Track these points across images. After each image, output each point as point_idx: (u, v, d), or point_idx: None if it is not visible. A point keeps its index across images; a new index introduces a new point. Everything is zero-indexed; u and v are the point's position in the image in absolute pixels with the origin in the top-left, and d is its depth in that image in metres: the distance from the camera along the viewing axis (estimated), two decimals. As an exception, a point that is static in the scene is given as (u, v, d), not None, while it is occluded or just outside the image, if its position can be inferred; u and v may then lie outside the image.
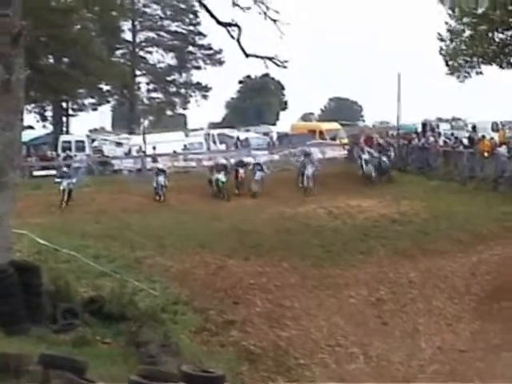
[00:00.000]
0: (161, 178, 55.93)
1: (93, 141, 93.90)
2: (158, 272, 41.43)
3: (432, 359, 32.40)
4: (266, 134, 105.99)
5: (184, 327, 34.15)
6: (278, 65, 43.74)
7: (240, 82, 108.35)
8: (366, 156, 78.18)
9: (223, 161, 63.08)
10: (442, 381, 30.12)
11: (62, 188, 54.57)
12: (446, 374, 30.19)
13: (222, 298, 37.74)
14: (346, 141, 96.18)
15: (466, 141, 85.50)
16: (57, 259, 40.46)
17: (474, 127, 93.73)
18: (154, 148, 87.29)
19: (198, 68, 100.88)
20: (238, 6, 41.14)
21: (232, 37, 40.95)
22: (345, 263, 43.98)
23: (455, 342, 34.11)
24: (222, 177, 56.08)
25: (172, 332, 32.62)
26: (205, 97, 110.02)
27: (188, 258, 43.06)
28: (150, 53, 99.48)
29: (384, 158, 78.20)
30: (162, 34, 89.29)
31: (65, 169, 56.92)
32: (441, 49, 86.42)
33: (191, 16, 73.06)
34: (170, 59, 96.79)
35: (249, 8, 40.72)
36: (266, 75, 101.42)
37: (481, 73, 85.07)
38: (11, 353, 24.63)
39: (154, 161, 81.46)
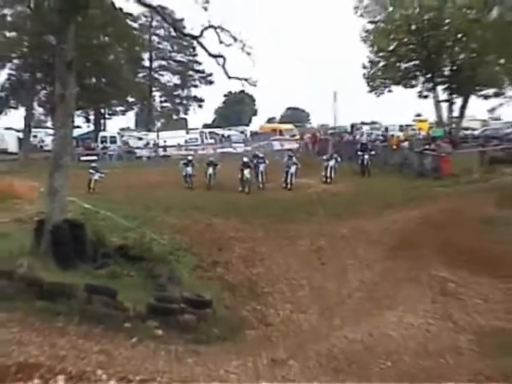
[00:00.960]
0: (189, 169, 53.67)
1: (122, 136, 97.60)
2: (167, 227, 42.68)
3: (356, 289, 33.65)
4: (242, 132, 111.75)
5: (184, 266, 35.96)
6: (250, 84, 45.71)
7: (225, 96, 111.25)
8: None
9: (245, 159, 56.04)
10: (365, 303, 31.24)
11: (93, 178, 54.75)
12: (366, 299, 31.55)
13: (211, 246, 39.11)
14: (298, 137, 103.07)
15: (381, 138, 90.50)
16: (96, 218, 42.75)
17: (386, 128, 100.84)
18: (165, 141, 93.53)
19: (196, 86, 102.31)
20: (222, 42, 43.44)
21: (218, 64, 43.07)
22: (296, 222, 45.43)
23: (372, 277, 35.20)
24: (247, 173, 53.11)
25: (176, 269, 34.96)
26: (200, 106, 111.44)
27: (187, 218, 44.32)
28: (162, 75, 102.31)
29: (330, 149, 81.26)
30: (171, 62, 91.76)
31: (94, 164, 55.99)
32: (364, 74, 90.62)
33: (191, 50, 74.80)
34: (176, 80, 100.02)
35: (230, 45, 42.81)
36: (242, 91, 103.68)
37: (391, 91, 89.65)
38: (65, 282, 27.53)
39: (165, 150, 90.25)
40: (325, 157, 62.09)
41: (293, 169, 56.97)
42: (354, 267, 37.21)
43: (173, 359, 20.05)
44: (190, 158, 56.68)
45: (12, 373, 13.61)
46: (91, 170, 55.90)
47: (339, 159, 66.65)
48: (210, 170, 52.78)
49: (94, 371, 14.35)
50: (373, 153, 71.95)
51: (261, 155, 57.22)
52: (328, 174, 59.61)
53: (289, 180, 56.72)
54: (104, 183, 57.35)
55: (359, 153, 74.64)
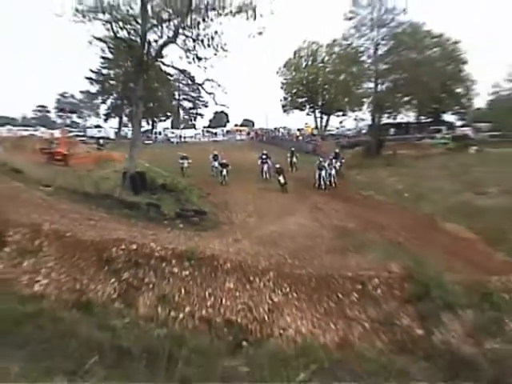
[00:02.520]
0: (225, 171, 48.27)
1: (164, 131, 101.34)
2: (186, 177, 46.91)
3: (277, 207, 36.38)
4: (222, 130, 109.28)
5: (194, 195, 38.71)
6: (226, 107, 50.60)
7: (214, 113, 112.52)
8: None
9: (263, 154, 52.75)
10: (281, 213, 33.51)
11: (184, 166, 51.83)
12: (281, 211, 33.90)
13: (207, 186, 42.41)
14: (248, 133, 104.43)
15: (288, 134, 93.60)
16: (151, 171, 45.69)
17: (290, 129, 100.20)
18: (184, 135, 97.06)
19: (200, 108, 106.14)
20: (213, 87, 49.36)
21: (211, 96, 47.72)
22: (250, 179, 47.70)
23: (284, 201, 38.26)
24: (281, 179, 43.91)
25: (189, 196, 37.94)
26: (201, 116, 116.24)
27: (200, 176, 47.70)
28: (184, 101, 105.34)
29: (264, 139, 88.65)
30: (187, 95, 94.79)
31: (185, 154, 52.66)
32: (281, 103, 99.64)
33: (197, 90, 78.50)
34: (190, 104, 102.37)
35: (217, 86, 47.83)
36: (222, 111, 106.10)
37: (293, 111, 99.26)
38: (136, 201, 31.61)
39: (184, 139, 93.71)
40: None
41: (266, 167, 50.70)
42: (276, 196, 40.40)
43: (187, 238, 21.64)
44: (185, 154, 52.96)
45: (111, 243, 14.89)
46: (181, 160, 53.40)
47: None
48: (224, 172, 48.32)
49: (149, 243, 15.42)
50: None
51: (265, 152, 52.56)
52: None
53: (265, 175, 49.90)
54: (155, 154, 59.87)
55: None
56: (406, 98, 76.07)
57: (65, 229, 17.03)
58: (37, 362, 9.25)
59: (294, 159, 59.03)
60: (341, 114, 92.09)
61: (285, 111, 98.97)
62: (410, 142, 70.65)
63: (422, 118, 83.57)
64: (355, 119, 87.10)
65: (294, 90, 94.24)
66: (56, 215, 24.67)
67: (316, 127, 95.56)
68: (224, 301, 13.08)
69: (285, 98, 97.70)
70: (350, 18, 71.97)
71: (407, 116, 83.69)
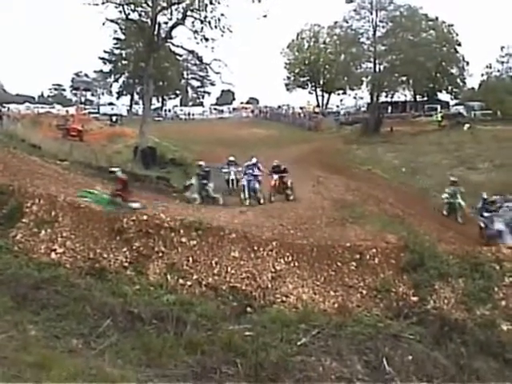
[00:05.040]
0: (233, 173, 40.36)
1: (174, 108, 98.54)
2: (194, 151, 45.08)
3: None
4: (228, 107, 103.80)
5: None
6: (232, 85, 50.71)
7: (221, 91, 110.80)
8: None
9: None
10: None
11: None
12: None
13: (212, 160, 44.61)
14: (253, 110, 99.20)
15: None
16: (161, 145, 45.26)
17: (292, 107, 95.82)
18: (193, 112, 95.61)
19: (207, 86, 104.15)
20: (220, 67, 48.70)
21: (216, 74, 47.96)
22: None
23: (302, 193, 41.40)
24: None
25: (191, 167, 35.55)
26: (209, 94, 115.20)
27: (204, 148, 47.13)
28: (192, 80, 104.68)
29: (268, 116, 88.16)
30: (196, 74, 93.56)
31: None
32: (284, 79, 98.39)
33: (205, 69, 76.90)
34: (198, 83, 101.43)
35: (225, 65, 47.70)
36: (229, 90, 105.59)
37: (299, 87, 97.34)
38: (147, 174, 31.97)
39: (192, 115, 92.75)
40: None
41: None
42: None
43: (195, 210, 22.40)
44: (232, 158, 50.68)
45: (123, 214, 14.93)
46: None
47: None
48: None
49: (159, 214, 15.44)
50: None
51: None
52: None
53: None
54: (164, 130, 58.40)
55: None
56: (402, 78, 76.07)
57: (79, 200, 17.01)
58: (53, 324, 9.39)
59: None
60: (341, 92, 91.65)
61: (288, 90, 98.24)
62: (407, 120, 70.44)
63: (418, 96, 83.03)
64: (354, 98, 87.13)
65: (297, 70, 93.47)
66: (71, 188, 24.75)
67: (317, 105, 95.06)
68: (229, 269, 13.12)
69: (288, 78, 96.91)
70: (351, 1, 71.84)
71: (404, 95, 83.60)
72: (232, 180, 32.27)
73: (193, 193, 28.30)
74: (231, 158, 32.76)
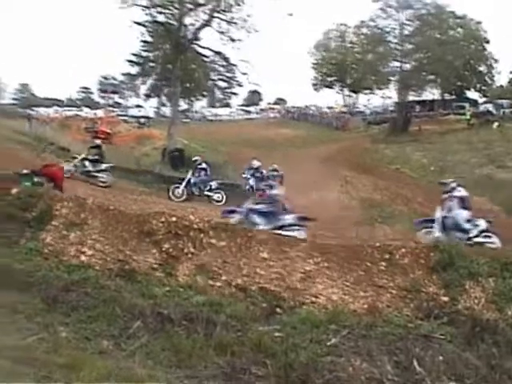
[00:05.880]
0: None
1: (201, 110, 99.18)
2: (222, 153, 47.64)
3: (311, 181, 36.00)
4: (256, 109, 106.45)
5: (229, 170, 38.85)
6: (258, 86, 51.18)
7: (248, 92, 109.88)
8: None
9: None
10: (313, 186, 33.12)
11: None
12: (314, 184, 33.53)
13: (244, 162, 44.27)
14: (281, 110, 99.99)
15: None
16: (189, 147, 45.40)
17: (320, 107, 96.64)
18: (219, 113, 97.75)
19: (234, 87, 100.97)
20: (247, 68, 50.84)
21: (243, 75, 48.09)
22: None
23: (316, 173, 37.71)
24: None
25: (226, 171, 37.91)
26: (236, 95, 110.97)
27: (233, 151, 48.15)
28: (219, 81, 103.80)
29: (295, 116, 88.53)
30: (222, 75, 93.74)
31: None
32: (311, 79, 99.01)
33: (232, 70, 76.82)
34: (225, 84, 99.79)
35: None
36: (256, 90, 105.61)
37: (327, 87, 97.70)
38: (171, 175, 32.72)
39: (220, 116, 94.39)
40: None
41: None
42: (308, 170, 39.27)
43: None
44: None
45: (152, 215, 14.59)
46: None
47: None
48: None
49: (188, 215, 15.23)
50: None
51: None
52: None
53: None
54: (192, 131, 58.52)
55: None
56: (430, 76, 75.43)
57: (108, 203, 17.31)
58: (83, 326, 9.48)
59: None
60: (368, 91, 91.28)
61: (315, 90, 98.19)
62: (435, 119, 70.03)
63: (446, 95, 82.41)
64: (382, 97, 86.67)
65: (324, 70, 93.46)
66: (100, 190, 24.98)
67: (345, 105, 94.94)
68: (258, 270, 12.98)
69: (315, 78, 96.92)
70: (378, 0, 71.26)
71: (432, 93, 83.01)
72: (251, 187, 31.78)
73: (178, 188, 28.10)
74: (254, 164, 32.20)
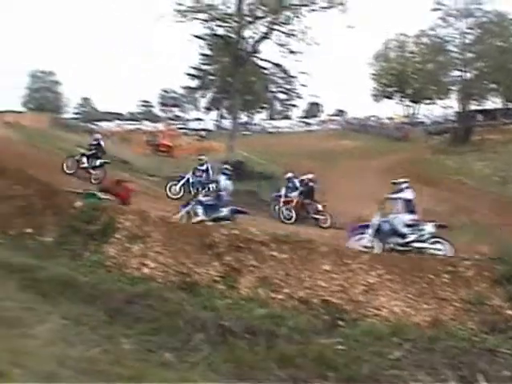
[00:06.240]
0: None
1: (261, 122, 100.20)
2: (281, 164, 48.65)
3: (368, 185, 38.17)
4: (316, 120, 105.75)
5: None
6: (316, 97, 51.31)
7: (308, 103, 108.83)
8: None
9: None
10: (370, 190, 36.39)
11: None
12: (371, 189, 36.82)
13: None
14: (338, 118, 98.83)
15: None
16: (249, 159, 46.54)
17: (380, 118, 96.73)
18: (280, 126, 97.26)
19: (294, 99, 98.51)
20: (306, 80, 48.56)
21: (303, 86, 48.39)
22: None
23: (374, 179, 36.34)
24: None
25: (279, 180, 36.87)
26: (296, 107, 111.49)
27: (292, 163, 50.28)
28: (279, 94, 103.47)
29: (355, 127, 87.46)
30: (282, 87, 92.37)
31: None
32: (371, 90, 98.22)
33: (292, 81, 75.77)
34: (284, 96, 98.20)
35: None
36: (316, 103, 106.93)
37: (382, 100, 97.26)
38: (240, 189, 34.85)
39: (279, 128, 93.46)
40: None
41: None
42: (369, 181, 39.66)
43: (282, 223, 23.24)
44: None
45: (213, 228, 14.93)
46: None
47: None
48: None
49: (249, 228, 15.51)
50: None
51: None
52: None
53: None
54: (252, 143, 58.97)
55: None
56: (492, 85, 74.24)
57: (170, 215, 17.69)
58: (146, 338, 9.47)
59: None
60: (429, 102, 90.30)
61: (375, 100, 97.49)
62: (498, 128, 68.70)
63: (509, 103, 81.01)
64: (443, 107, 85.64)
65: (384, 80, 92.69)
66: (162, 203, 25.20)
67: (405, 115, 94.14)
68: (320, 282, 12.93)
69: (375, 88, 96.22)
70: (437, 9, 70.52)
71: (494, 102, 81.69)
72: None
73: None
74: (288, 175, 31.64)
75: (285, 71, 55.69)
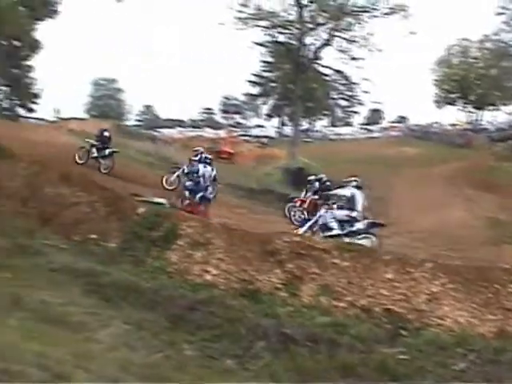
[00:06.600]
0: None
1: (322, 129, 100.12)
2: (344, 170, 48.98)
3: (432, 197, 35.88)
4: (377, 127, 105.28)
5: None
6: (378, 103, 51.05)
7: (370, 110, 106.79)
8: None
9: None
10: (439, 201, 33.28)
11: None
12: (440, 200, 33.75)
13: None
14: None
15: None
16: (308, 165, 43.71)
17: (442, 124, 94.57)
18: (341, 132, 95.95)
19: (355, 106, 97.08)
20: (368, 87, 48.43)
21: (365, 93, 48.06)
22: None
23: (436, 190, 37.79)
24: None
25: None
26: (357, 114, 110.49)
27: (352, 170, 48.95)
28: (340, 101, 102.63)
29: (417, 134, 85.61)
30: (343, 93, 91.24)
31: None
32: (433, 96, 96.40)
33: (353, 88, 74.31)
34: (345, 103, 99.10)
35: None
36: (378, 109, 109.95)
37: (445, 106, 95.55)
38: (293, 195, 33.53)
39: (340, 135, 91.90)
40: None
41: None
42: (429, 188, 39.33)
43: None
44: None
45: (275, 235, 14.80)
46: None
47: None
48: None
49: (311, 235, 16.46)
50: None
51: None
52: None
53: None
54: (313, 150, 56.83)
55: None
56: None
57: (232, 222, 17.63)
58: (208, 345, 9.57)
59: None
60: (493, 108, 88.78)
61: (437, 107, 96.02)
62: None
63: None
64: (507, 113, 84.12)
65: (446, 87, 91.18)
66: (224, 209, 25.32)
67: (468, 122, 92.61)
68: (383, 291, 12.78)
69: (437, 94, 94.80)
70: (501, 13, 69.32)
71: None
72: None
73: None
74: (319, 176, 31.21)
75: (346, 78, 55.64)
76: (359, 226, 18.68)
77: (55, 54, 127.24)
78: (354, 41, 43.34)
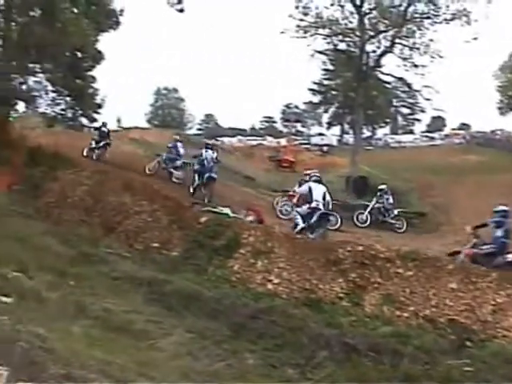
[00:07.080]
0: None
1: (384, 137, 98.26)
2: (404, 179, 46.30)
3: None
4: (439, 134, 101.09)
5: (413, 197, 38.88)
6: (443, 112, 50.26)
7: (432, 117, 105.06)
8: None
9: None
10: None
11: None
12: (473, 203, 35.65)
13: (426, 190, 42.44)
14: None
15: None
16: (371, 174, 43.56)
17: (508, 132, 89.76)
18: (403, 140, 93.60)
19: (417, 113, 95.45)
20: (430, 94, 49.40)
21: (427, 100, 47.39)
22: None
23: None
24: None
25: (410, 198, 37.65)
26: (419, 121, 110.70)
27: (414, 178, 50.09)
28: (402, 108, 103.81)
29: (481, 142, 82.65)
30: (404, 101, 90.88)
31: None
32: (497, 102, 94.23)
33: (414, 95, 73.30)
34: (407, 110, 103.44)
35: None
36: (440, 116, 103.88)
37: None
38: (355, 204, 31.99)
39: (401, 143, 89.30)
40: None
41: None
42: (492, 194, 40.68)
43: (409, 239, 22.51)
44: None
45: (338, 244, 14.67)
46: None
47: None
48: None
49: (373, 244, 15.33)
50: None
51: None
52: None
53: None
54: (375, 158, 56.00)
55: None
56: None
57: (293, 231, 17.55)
58: (269, 354, 9.57)
59: None
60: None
61: (501, 113, 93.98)
62: None
63: None
64: None
65: (510, 93, 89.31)
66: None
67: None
68: (447, 301, 12.54)
69: (501, 101, 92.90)
70: None
71: None
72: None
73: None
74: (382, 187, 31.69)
75: (408, 85, 54.74)
76: (314, 218, 18.99)
77: (117, 64, 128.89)
78: (416, 48, 42.74)
